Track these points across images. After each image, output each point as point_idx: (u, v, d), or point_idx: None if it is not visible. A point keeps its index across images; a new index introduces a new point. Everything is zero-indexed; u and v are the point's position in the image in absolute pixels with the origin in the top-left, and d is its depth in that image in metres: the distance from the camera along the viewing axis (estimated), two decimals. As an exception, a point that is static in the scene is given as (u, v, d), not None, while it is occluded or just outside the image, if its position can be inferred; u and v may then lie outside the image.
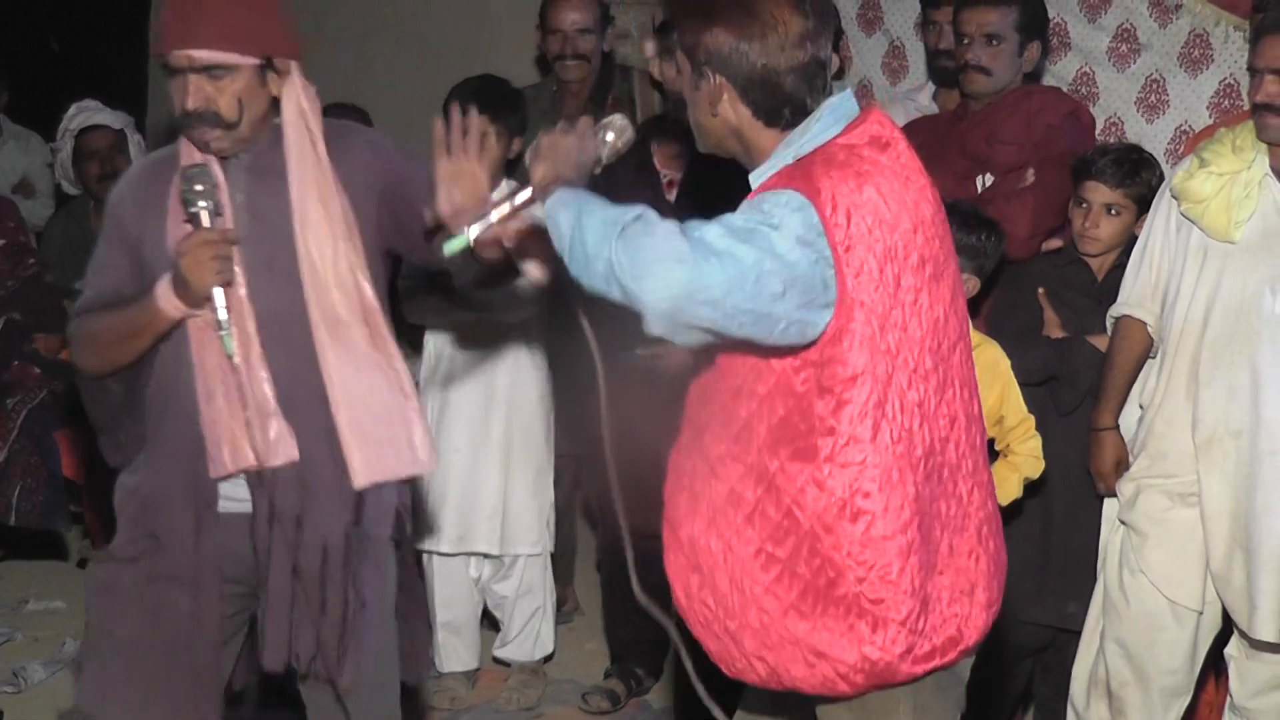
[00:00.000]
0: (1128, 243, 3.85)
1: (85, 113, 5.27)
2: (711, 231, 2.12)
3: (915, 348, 2.29)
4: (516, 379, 4.26)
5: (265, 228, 2.83)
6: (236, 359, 2.79)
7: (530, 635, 4.44)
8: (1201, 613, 3.63)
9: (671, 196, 4.13)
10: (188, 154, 2.85)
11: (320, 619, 2.86)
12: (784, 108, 2.30)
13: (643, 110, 4.86)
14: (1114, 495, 3.72)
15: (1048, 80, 4.62)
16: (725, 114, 2.33)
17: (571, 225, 2.16)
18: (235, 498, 2.87)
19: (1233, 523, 3.53)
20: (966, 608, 2.38)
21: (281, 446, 2.81)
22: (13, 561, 5.31)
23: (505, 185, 3.76)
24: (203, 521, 2.86)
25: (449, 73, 5.83)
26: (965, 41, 4.13)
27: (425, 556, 4.34)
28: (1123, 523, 3.71)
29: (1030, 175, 4.01)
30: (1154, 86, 4.53)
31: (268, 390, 2.80)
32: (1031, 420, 3.60)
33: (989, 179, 4.10)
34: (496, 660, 4.51)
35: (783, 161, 2.30)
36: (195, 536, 2.87)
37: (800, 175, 2.23)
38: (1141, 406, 3.70)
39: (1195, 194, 3.52)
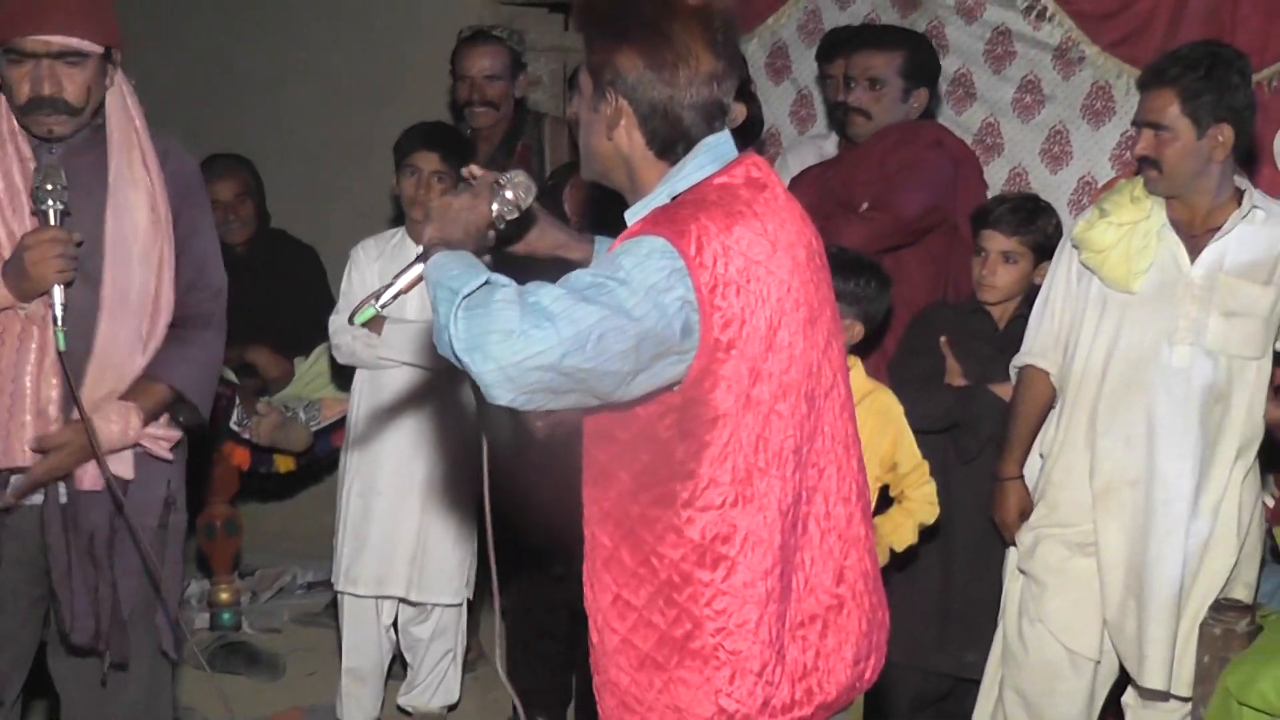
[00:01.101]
0: (1028, 291, 3.88)
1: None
2: (549, 294, 2.08)
3: (787, 393, 2.24)
4: (442, 424, 4.22)
5: (75, 219, 2.89)
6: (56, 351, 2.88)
7: (436, 682, 4.40)
8: (1099, 662, 3.65)
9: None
10: (13, 140, 2.91)
11: (94, 598, 3.04)
12: (679, 142, 2.28)
13: (552, 156, 4.85)
14: (1013, 544, 3.73)
15: (953, 130, 4.64)
16: (619, 140, 2.29)
17: (433, 296, 2.15)
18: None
19: (1127, 572, 3.54)
20: (829, 662, 2.32)
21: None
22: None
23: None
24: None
25: (360, 116, 5.84)
26: (850, 85, 4.19)
27: (339, 597, 4.32)
28: (1022, 572, 3.71)
29: (864, 205, 4.06)
30: (1058, 137, 4.57)
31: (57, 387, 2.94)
32: (925, 466, 3.60)
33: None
34: (400, 709, 4.45)
35: (657, 200, 2.28)
36: (6, 521, 3.03)
37: (666, 219, 2.20)
38: (1041, 456, 3.72)
39: (1095, 243, 3.55)
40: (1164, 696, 3.58)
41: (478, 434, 4.21)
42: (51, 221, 2.83)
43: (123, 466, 3.06)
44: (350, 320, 2.40)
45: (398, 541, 4.22)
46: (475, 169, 2.44)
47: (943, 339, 3.91)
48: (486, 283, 2.10)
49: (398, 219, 4.84)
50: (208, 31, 6.20)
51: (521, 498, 4.19)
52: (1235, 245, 3.48)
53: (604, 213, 4.12)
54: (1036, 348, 3.71)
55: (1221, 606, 3.46)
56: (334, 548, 4.31)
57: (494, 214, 2.34)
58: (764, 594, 2.23)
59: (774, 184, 2.33)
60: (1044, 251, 3.83)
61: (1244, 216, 3.48)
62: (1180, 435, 3.48)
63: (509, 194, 2.35)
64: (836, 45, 4.55)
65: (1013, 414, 3.74)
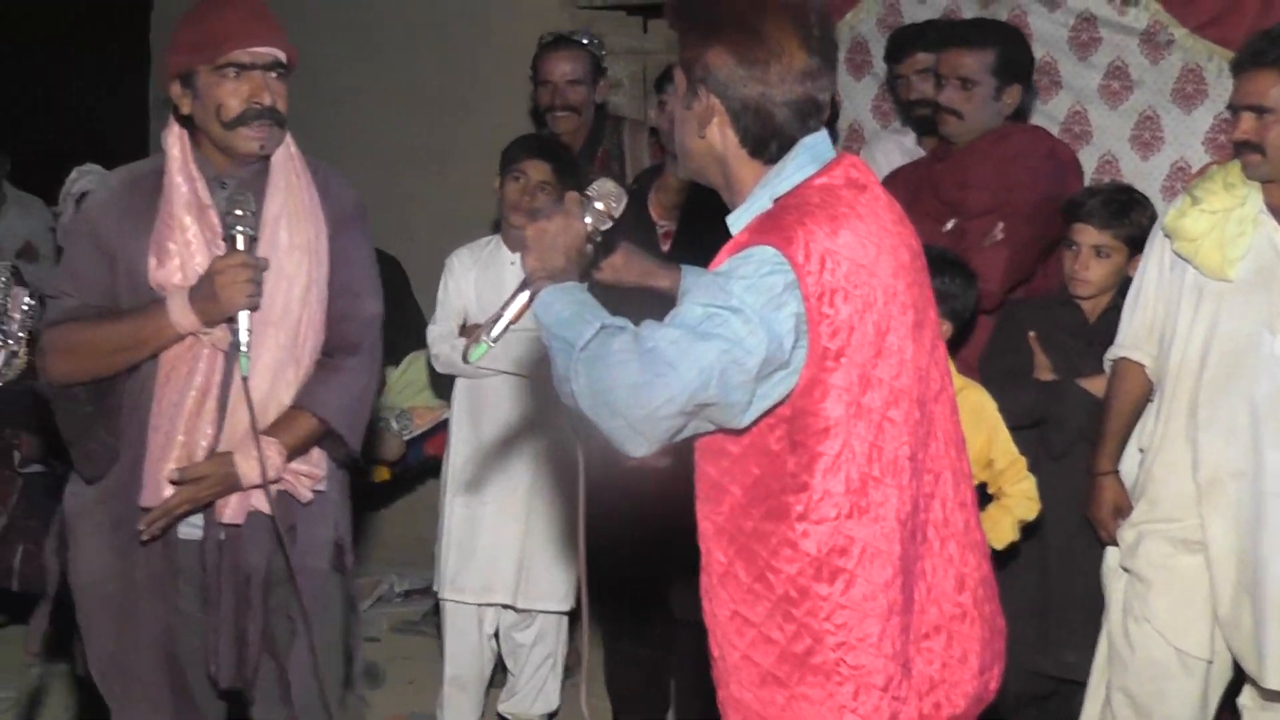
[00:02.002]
0: (1121, 284, 3.80)
1: (86, 177, 5.29)
2: (666, 338, 2.07)
3: (899, 399, 2.21)
4: (544, 429, 4.24)
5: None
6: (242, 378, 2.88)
7: (536, 689, 4.41)
8: (1211, 661, 3.56)
9: (667, 247, 4.10)
10: (184, 169, 2.93)
11: (244, 642, 2.98)
12: (772, 140, 2.24)
13: (632, 161, 4.85)
14: (1114, 543, 3.66)
15: (1039, 119, 4.59)
16: (712, 138, 2.26)
17: (548, 344, 2.17)
18: (192, 523, 2.98)
19: (1239, 567, 3.46)
20: (955, 674, 2.28)
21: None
22: (18, 626, 5.28)
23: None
24: (170, 538, 2.96)
25: (439, 125, 5.88)
26: (941, 84, 4.12)
27: (441, 605, 4.35)
28: (1125, 570, 3.64)
29: (999, 231, 3.98)
30: (1147, 123, 4.50)
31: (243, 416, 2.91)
32: (1023, 461, 3.55)
33: (950, 224, 4.07)
34: (500, 717, 4.47)
35: (759, 204, 2.24)
36: (163, 552, 2.97)
37: (772, 225, 2.16)
38: (1141, 450, 3.65)
39: (1188, 232, 3.48)
40: (1285, 697, 3.50)
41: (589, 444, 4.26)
42: (240, 247, 2.86)
43: (265, 503, 2.98)
44: (465, 359, 2.41)
45: (503, 549, 4.24)
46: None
47: (1030, 334, 3.85)
48: (601, 328, 2.10)
49: (479, 227, 4.86)
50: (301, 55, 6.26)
51: (618, 504, 4.20)
52: (1337, 228, 3.40)
53: (690, 216, 4.14)
54: (1130, 340, 3.64)
55: (1342, 599, 3.37)
56: (435, 556, 4.34)
57: (589, 229, 2.33)
58: (885, 606, 2.19)
59: (873, 184, 2.29)
60: (1138, 245, 3.76)
61: (1345, 199, 3.40)
62: (1286, 424, 3.39)
63: (599, 205, 2.35)
64: (906, 43, 4.52)
65: (1107, 408, 3.68)
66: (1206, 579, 3.51)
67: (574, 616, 4.48)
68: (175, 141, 2.97)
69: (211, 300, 2.84)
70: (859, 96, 5.03)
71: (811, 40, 2.22)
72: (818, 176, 2.24)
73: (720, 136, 2.26)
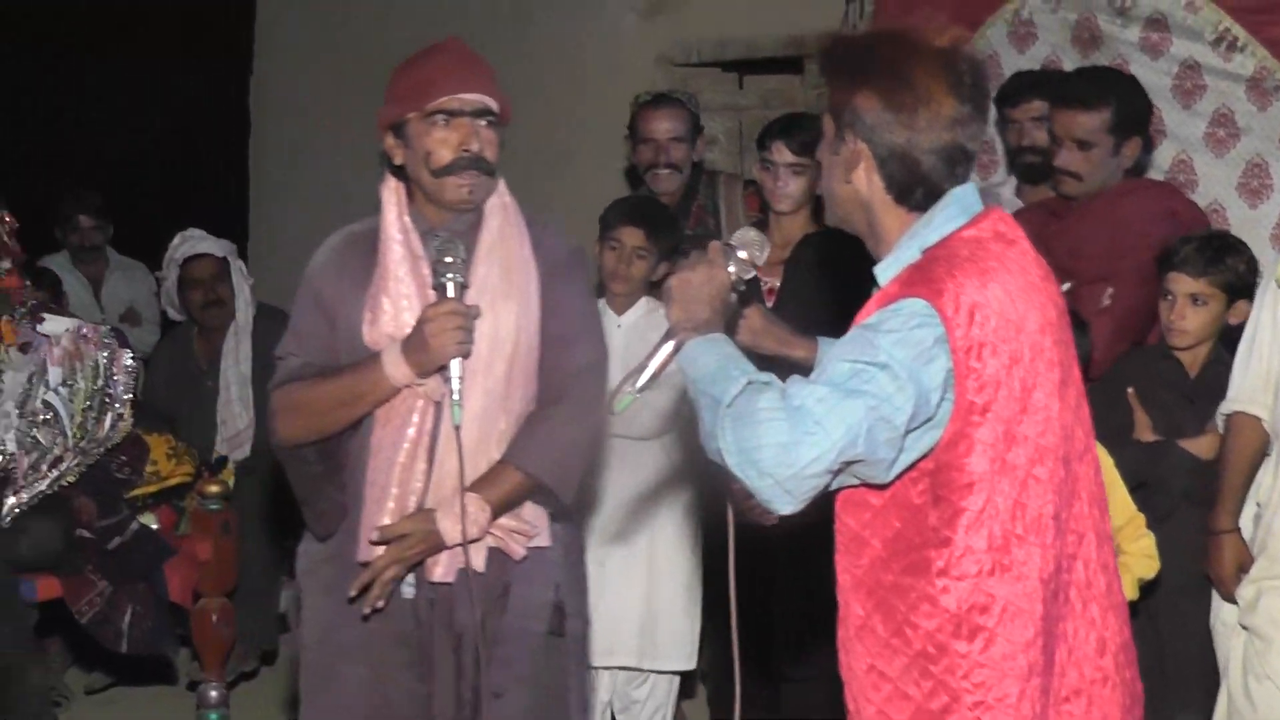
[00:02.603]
0: (1219, 335, 3.74)
1: (189, 242, 5.41)
2: (814, 395, 2.07)
3: (1044, 457, 2.18)
4: (662, 489, 4.24)
5: None
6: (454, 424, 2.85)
7: (646, 747, 4.38)
8: (1333, 718, 3.49)
9: (771, 302, 4.10)
10: (399, 222, 2.94)
11: (458, 701, 2.94)
12: (918, 188, 2.22)
13: (728, 215, 4.86)
14: (1234, 601, 3.59)
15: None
16: (858, 183, 2.25)
17: (694, 399, 2.18)
18: (408, 581, 2.96)
19: (1358, 623, 3.39)
20: None
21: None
22: (125, 687, 5.35)
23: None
24: (391, 597, 2.94)
25: (536, 182, 5.91)
26: (1056, 143, 4.04)
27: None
28: (1244, 627, 3.57)
29: (1107, 297, 3.92)
30: (1255, 171, 4.43)
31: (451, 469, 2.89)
32: (1142, 519, 3.49)
33: (1066, 286, 4.01)
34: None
35: (908, 255, 2.22)
36: (380, 615, 2.95)
37: (921, 277, 2.15)
38: (1259, 505, 3.58)
39: (1302, 283, 3.43)
40: None
41: (698, 498, 4.27)
42: (450, 294, 2.85)
43: (477, 559, 2.93)
44: (611, 411, 2.40)
45: (626, 610, 4.22)
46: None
47: (1130, 391, 3.78)
48: (748, 384, 2.10)
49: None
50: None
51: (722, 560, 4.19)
52: None
53: (793, 271, 4.13)
54: (1245, 393, 3.58)
55: None
56: None
57: (733, 277, 2.33)
58: (1025, 667, 2.15)
59: (1021, 239, 2.27)
60: (1235, 291, 3.70)
61: None
62: (1407, 479, 3.33)
63: (742, 254, 2.36)
64: (1023, 88, 4.47)
65: (1224, 463, 3.61)
66: (1330, 635, 3.44)
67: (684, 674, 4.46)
68: (391, 195, 2.98)
69: (423, 350, 2.83)
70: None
71: (962, 88, 2.19)
72: (966, 229, 2.22)
73: (866, 182, 2.24)
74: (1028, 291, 2.20)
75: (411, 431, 2.90)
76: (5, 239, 4.41)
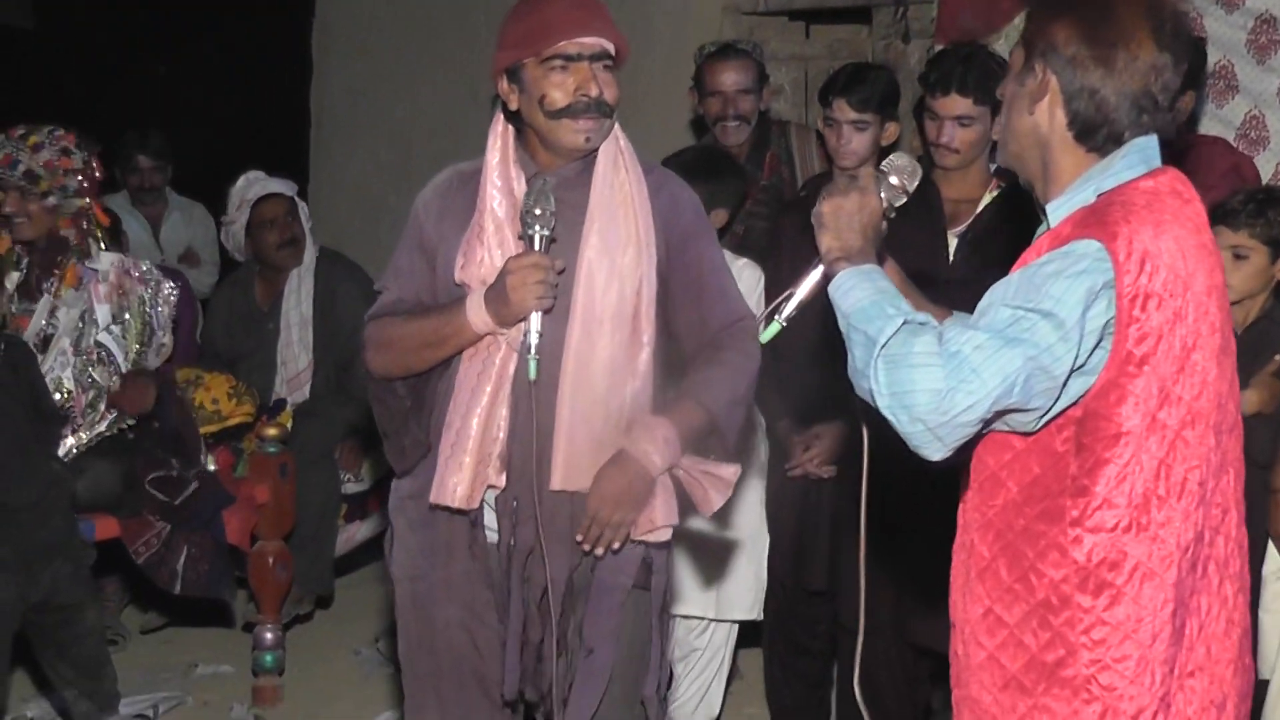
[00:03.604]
0: (1274, 290, 3.69)
1: (259, 183, 5.40)
2: (972, 342, 2.02)
3: (1196, 421, 2.12)
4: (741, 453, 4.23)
5: (557, 249, 2.87)
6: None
7: (699, 695, 4.41)
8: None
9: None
10: (502, 166, 2.91)
11: (535, 656, 2.94)
12: (1102, 129, 2.16)
13: (801, 165, 4.81)
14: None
15: (1214, 125, 4.47)
16: (1040, 116, 2.18)
17: (845, 333, 2.12)
18: (490, 526, 2.97)
19: None
20: (1211, 719, 2.17)
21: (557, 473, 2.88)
22: (181, 628, 5.42)
23: None
24: (475, 539, 2.96)
25: (602, 134, 5.89)
26: None
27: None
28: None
29: None
30: (1329, 128, 4.36)
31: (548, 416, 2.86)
32: None
33: None
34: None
35: (1082, 196, 2.16)
36: (468, 552, 2.96)
37: (1096, 220, 2.09)
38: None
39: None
40: None
41: (762, 445, 4.26)
42: (536, 246, 2.82)
43: (666, 512, 2.90)
44: (758, 339, 2.37)
45: (693, 560, 4.22)
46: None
47: None
48: (904, 324, 2.05)
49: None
50: (464, 60, 6.34)
51: (785, 510, 4.19)
52: None
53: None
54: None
55: None
56: None
57: (885, 204, 2.28)
58: (1150, 633, 2.10)
59: (1196, 200, 2.21)
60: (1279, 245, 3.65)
61: None
62: None
63: (894, 179, 2.31)
64: None
65: (1288, 422, 3.57)
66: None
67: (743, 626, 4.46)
68: (497, 139, 2.96)
69: (503, 301, 2.81)
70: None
71: (1164, 34, 2.14)
72: (1144, 179, 2.16)
73: (1049, 116, 2.18)
74: (1199, 251, 2.14)
75: (493, 378, 2.89)
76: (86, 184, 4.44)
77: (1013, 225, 3.81)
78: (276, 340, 5.39)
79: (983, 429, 2.07)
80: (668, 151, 4.32)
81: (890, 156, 2.32)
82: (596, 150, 2.92)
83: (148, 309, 4.42)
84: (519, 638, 2.94)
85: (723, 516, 4.20)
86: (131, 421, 4.41)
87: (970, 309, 2.18)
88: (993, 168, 3.98)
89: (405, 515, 3.04)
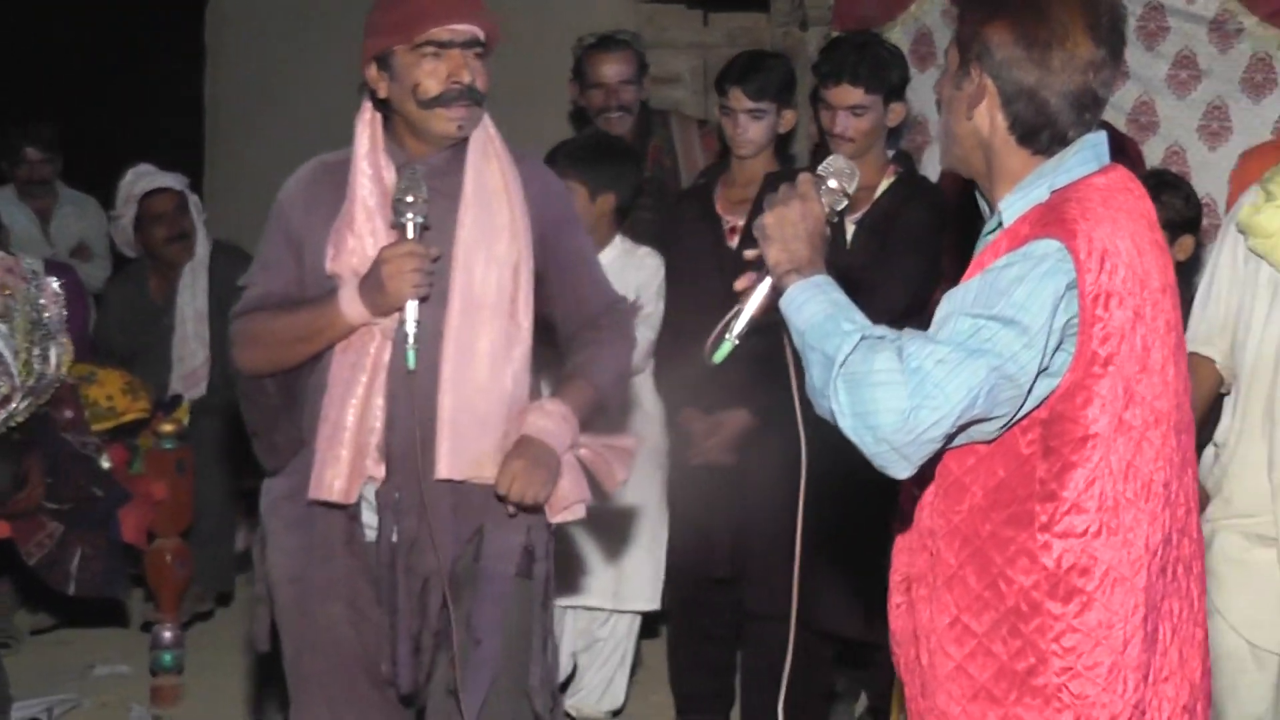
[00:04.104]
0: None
1: (146, 177, 5.32)
2: (935, 355, 1.97)
3: (1159, 421, 2.09)
4: (628, 429, 4.22)
5: (431, 237, 2.84)
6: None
7: (603, 685, 4.42)
8: (1285, 655, 3.52)
9: (734, 243, 4.08)
10: (371, 155, 2.88)
11: (419, 650, 2.92)
12: (1044, 130, 2.11)
13: (684, 155, 4.83)
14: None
15: (1106, 111, 4.52)
16: (979, 120, 2.15)
17: (801, 350, 2.07)
18: (368, 524, 2.93)
19: (1314, 564, 3.42)
20: None
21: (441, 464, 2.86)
22: (77, 629, 5.33)
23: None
24: (353, 535, 2.92)
25: (497, 119, 5.83)
26: None
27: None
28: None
29: None
30: (1216, 113, 4.46)
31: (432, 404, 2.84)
32: None
33: None
34: (565, 714, 4.46)
35: (1037, 193, 2.12)
36: (347, 549, 2.92)
37: (1054, 217, 2.05)
38: (1216, 446, 3.61)
39: (1263, 229, 3.43)
40: (1360, 695, 3.46)
41: (663, 438, 4.26)
42: (410, 234, 2.79)
43: (575, 489, 2.94)
44: (709, 360, 2.28)
45: (593, 550, 4.23)
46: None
47: None
48: (861, 339, 2.00)
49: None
50: (346, 42, 6.26)
51: (688, 499, 4.20)
52: None
53: (758, 211, 4.10)
54: (1201, 335, 3.59)
55: None
56: None
57: (826, 210, 2.22)
58: (1122, 639, 2.06)
59: (1146, 198, 2.19)
60: (1176, 227, 3.72)
61: None
62: (1364, 422, 3.35)
63: (833, 183, 2.25)
64: None
65: (1179, 402, 3.64)
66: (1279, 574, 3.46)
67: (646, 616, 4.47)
68: (365, 127, 2.92)
69: (379, 290, 2.78)
70: (924, 89, 4.98)
71: (1100, 29, 2.09)
72: (1097, 176, 2.13)
73: (989, 120, 2.14)
74: (1153, 248, 2.12)
75: (368, 368, 2.86)
76: None
77: (909, 211, 3.86)
78: (172, 335, 5.32)
79: (947, 443, 2.04)
80: (565, 135, 4.31)
81: (827, 160, 2.28)
82: (467, 138, 2.90)
83: (33, 306, 4.32)
84: (409, 630, 2.91)
85: (623, 507, 4.22)
86: (21, 420, 4.31)
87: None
88: (890, 154, 4.02)
89: (280, 516, 2.99)
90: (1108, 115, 4.36)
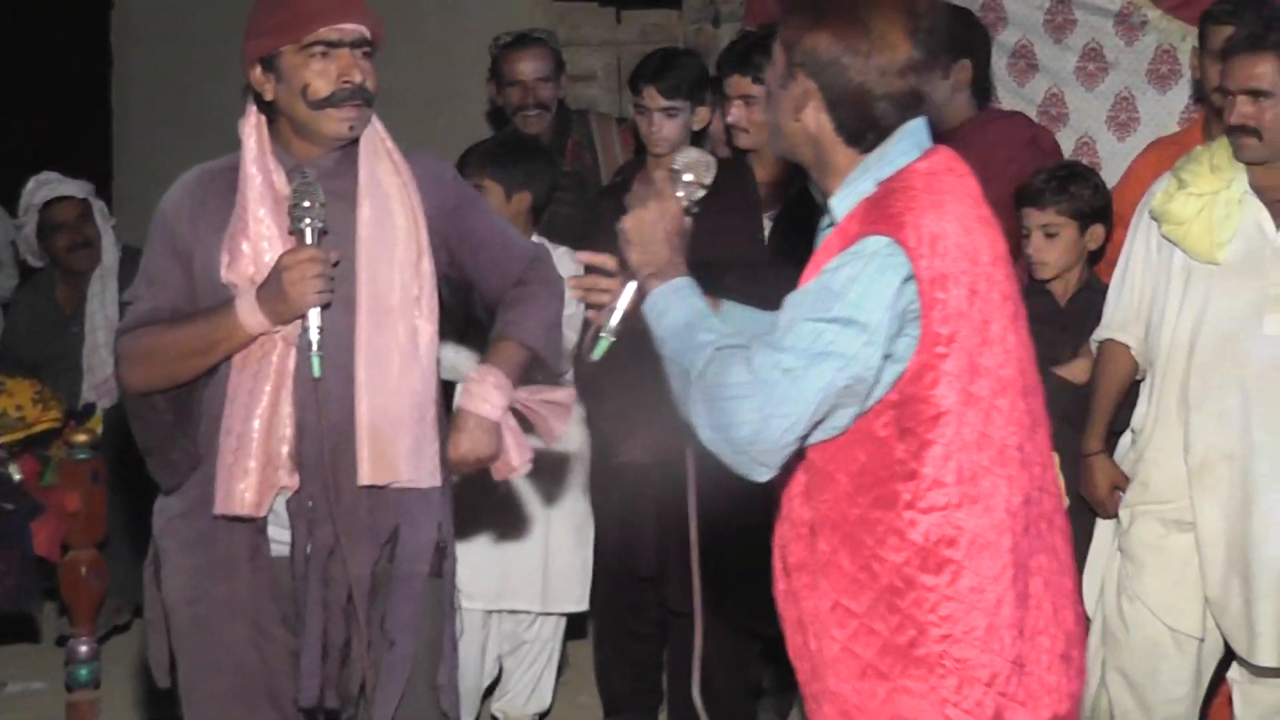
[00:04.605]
0: (1088, 261, 3.83)
1: (47, 185, 5.24)
2: (781, 365, 2.06)
3: (1005, 389, 2.18)
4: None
5: (330, 240, 2.80)
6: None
7: (530, 687, 4.38)
8: (1203, 639, 3.58)
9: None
10: (259, 159, 2.83)
11: (341, 660, 2.86)
12: (869, 132, 2.19)
13: (603, 152, 4.83)
14: (1114, 518, 3.68)
15: (1016, 102, 4.60)
16: (806, 121, 2.21)
17: (661, 353, 2.16)
18: (278, 540, 2.87)
19: (1228, 549, 3.48)
20: (1062, 674, 2.23)
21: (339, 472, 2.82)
22: (-12, 645, 5.23)
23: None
24: (259, 550, 2.86)
25: (414, 123, 5.81)
26: None
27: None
28: (1119, 550, 3.66)
29: None
30: (1124, 104, 4.51)
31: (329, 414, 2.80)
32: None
33: None
34: (492, 716, 4.45)
35: (863, 187, 2.19)
36: (250, 566, 2.86)
37: (880, 213, 2.12)
38: (1134, 431, 3.66)
39: (1176, 216, 3.48)
40: (1276, 672, 3.52)
41: (587, 439, 4.24)
42: (309, 240, 2.74)
43: (519, 454, 2.98)
44: (589, 358, 2.33)
45: (519, 553, 4.19)
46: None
47: None
48: (715, 351, 2.08)
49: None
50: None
51: (611, 498, 4.19)
52: (1319, 207, 3.42)
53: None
54: (1116, 321, 3.65)
55: (1330, 577, 3.40)
56: None
57: (684, 203, 2.28)
58: (994, 600, 2.14)
59: (969, 174, 2.25)
60: (1086, 217, 3.79)
61: (1327, 177, 3.41)
62: (1277, 406, 3.41)
63: (688, 176, 2.30)
64: None
65: (1094, 388, 3.69)
66: (1198, 559, 3.52)
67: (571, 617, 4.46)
68: (251, 131, 2.86)
69: (280, 298, 2.72)
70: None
71: (919, 32, 2.17)
72: (919, 162, 2.20)
73: (815, 121, 2.21)
74: (980, 224, 2.19)
75: (272, 376, 2.80)
76: None
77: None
78: (82, 344, 5.23)
79: (804, 439, 2.12)
80: (481, 136, 4.29)
81: (681, 152, 2.32)
82: (357, 139, 2.87)
83: None
84: (319, 643, 2.85)
85: (548, 509, 4.20)
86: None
87: (785, 291, 2.20)
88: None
89: (176, 536, 2.90)
90: (1019, 107, 4.49)
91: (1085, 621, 2.34)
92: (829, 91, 2.17)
